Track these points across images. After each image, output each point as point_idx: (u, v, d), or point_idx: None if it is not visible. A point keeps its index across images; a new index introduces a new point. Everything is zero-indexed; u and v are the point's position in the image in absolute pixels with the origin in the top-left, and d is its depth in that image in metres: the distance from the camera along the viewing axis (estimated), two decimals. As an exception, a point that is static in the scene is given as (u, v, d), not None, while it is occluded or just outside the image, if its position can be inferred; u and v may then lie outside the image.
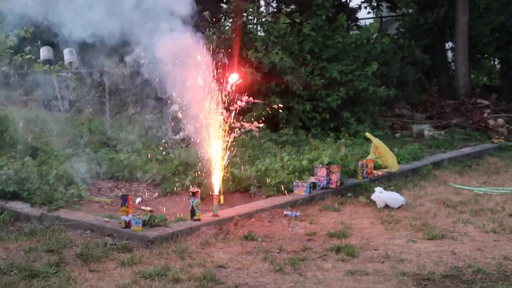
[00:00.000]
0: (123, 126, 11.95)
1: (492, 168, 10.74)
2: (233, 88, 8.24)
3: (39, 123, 12.37)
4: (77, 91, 14.85)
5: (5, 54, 10.94)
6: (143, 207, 7.60)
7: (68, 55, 16.34)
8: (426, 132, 14.34)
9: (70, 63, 16.17)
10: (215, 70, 7.95)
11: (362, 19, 20.91)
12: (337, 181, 8.60)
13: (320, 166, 8.73)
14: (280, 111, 12.53)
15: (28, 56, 11.12)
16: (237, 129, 8.40)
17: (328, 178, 8.54)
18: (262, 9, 20.12)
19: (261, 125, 9.73)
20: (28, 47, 11.72)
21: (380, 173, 9.52)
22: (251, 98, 8.68)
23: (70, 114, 14.10)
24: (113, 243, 6.27)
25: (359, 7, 20.14)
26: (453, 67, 19.01)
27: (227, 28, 13.75)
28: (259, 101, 12.28)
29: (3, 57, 10.95)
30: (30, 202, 7.55)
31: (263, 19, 15.06)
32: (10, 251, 6.13)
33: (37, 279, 5.32)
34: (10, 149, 10.02)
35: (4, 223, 7.10)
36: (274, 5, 21.02)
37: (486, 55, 20.29)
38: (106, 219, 6.88)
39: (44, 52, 16.39)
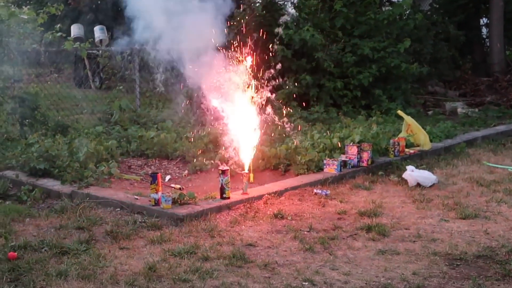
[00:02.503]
0: (153, 103, 11.96)
1: (527, 147, 10.57)
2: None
3: (69, 100, 12.45)
4: (107, 69, 14.93)
5: (36, 32, 10.95)
6: (172, 185, 7.63)
7: (98, 32, 16.42)
8: (459, 110, 14.13)
9: (101, 40, 16.25)
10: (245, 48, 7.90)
11: (394, -6, 20.64)
12: (368, 159, 8.52)
13: (351, 144, 8.65)
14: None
15: (59, 33, 11.12)
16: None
17: (359, 156, 8.46)
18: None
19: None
20: (59, 25, 11.74)
21: (412, 151, 9.41)
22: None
23: (100, 92, 14.18)
24: (143, 220, 6.29)
25: (392, -17, 19.87)
26: (488, 43, 18.69)
27: (257, 4, 13.63)
28: (290, 78, 12.20)
29: (34, 35, 10.97)
30: (60, 179, 7.59)
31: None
32: (41, 228, 6.18)
33: (68, 256, 5.35)
34: (41, 127, 10.08)
35: (35, 200, 7.15)
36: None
37: (522, 31, 19.92)
38: (136, 197, 6.90)
39: (75, 30, 16.48)
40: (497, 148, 10.35)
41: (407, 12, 15.32)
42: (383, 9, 16.02)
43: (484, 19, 19.53)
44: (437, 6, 19.10)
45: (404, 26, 14.20)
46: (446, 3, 18.74)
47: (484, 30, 19.74)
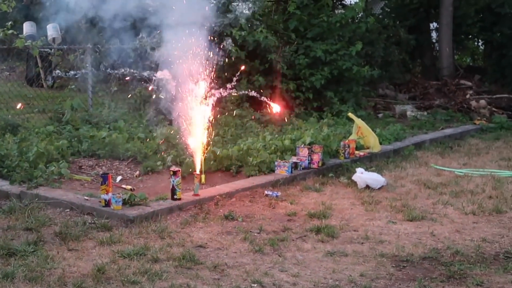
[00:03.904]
0: (106, 103, 11.87)
1: (473, 150, 10.78)
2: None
3: (20, 99, 12.27)
4: (59, 68, 14.77)
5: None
6: (123, 186, 7.59)
7: (51, 30, 16.18)
8: (408, 113, 14.34)
9: (54, 38, 16.02)
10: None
11: (347, -2, 20.81)
12: (318, 161, 8.61)
13: (302, 146, 8.73)
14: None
15: (10, 31, 10.95)
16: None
17: (309, 158, 8.55)
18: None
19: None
20: (10, 22, 11.55)
21: (362, 153, 9.54)
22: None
23: (52, 91, 14.00)
24: (93, 222, 6.25)
25: (345, -14, 20.02)
26: (437, 47, 18.99)
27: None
28: (243, 79, 12.20)
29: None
30: (9, 179, 7.50)
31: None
32: (-12, 229, 6.10)
33: (15, 258, 5.30)
34: (-10, 126, 9.92)
35: (-17, 200, 7.05)
36: (260, -18, 20.89)
37: (470, 36, 20.24)
38: (86, 198, 6.85)
39: (27, 27, 16.22)
40: (444, 151, 10.56)
41: (359, 15, 15.48)
42: (336, 12, 16.16)
43: (434, 23, 19.82)
44: (389, 10, 19.32)
45: (356, 29, 14.33)
46: (398, 7, 18.97)
47: (434, 34, 20.04)
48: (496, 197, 7.61)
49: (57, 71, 14.54)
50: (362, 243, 5.95)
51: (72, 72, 12.92)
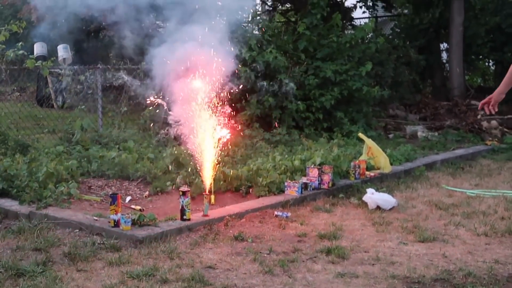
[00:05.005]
0: (115, 123, 11.89)
1: (485, 170, 10.71)
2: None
3: (30, 119, 12.31)
4: (69, 88, 14.83)
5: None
6: (133, 206, 7.56)
7: (62, 51, 16.30)
8: (419, 133, 14.30)
9: (64, 59, 16.13)
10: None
11: (357, 18, 20.83)
12: (329, 182, 8.56)
13: (312, 166, 8.69)
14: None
15: (21, 51, 11.02)
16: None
17: (320, 179, 8.50)
18: (257, 7, 20.00)
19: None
20: (21, 43, 11.63)
21: (372, 174, 9.49)
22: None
23: (62, 111, 14.05)
24: (102, 242, 6.22)
25: (354, 7, 20.02)
26: (448, 68, 18.98)
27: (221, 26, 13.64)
28: (252, 99, 12.20)
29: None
30: (19, 199, 7.49)
31: (258, 17, 14.96)
32: (-3, 249, 6.08)
33: (23, 278, 5.27)
34: (0, 146, 9.94)
35: (-8, 220, 7.04)
36: (269, 3, 20.95)
37: (480, 56, 20.23)
38: (95, 218, 6.83)
39: (38, 48, 16.34)
40: (456, 172, 10.49)
41: (369, 35, 15.50)
42: (346, 32, 16.20)
43: (444, 43, 19.83)
44: (399, 30, 19.37)
45: (366, 50, 14.36)
46: (408, 27, 19.01)
47: (444, 54, 20.04)
48: (509, 218, 7.51)
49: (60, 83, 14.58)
50: (373, 264, 5.88)
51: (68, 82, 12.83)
